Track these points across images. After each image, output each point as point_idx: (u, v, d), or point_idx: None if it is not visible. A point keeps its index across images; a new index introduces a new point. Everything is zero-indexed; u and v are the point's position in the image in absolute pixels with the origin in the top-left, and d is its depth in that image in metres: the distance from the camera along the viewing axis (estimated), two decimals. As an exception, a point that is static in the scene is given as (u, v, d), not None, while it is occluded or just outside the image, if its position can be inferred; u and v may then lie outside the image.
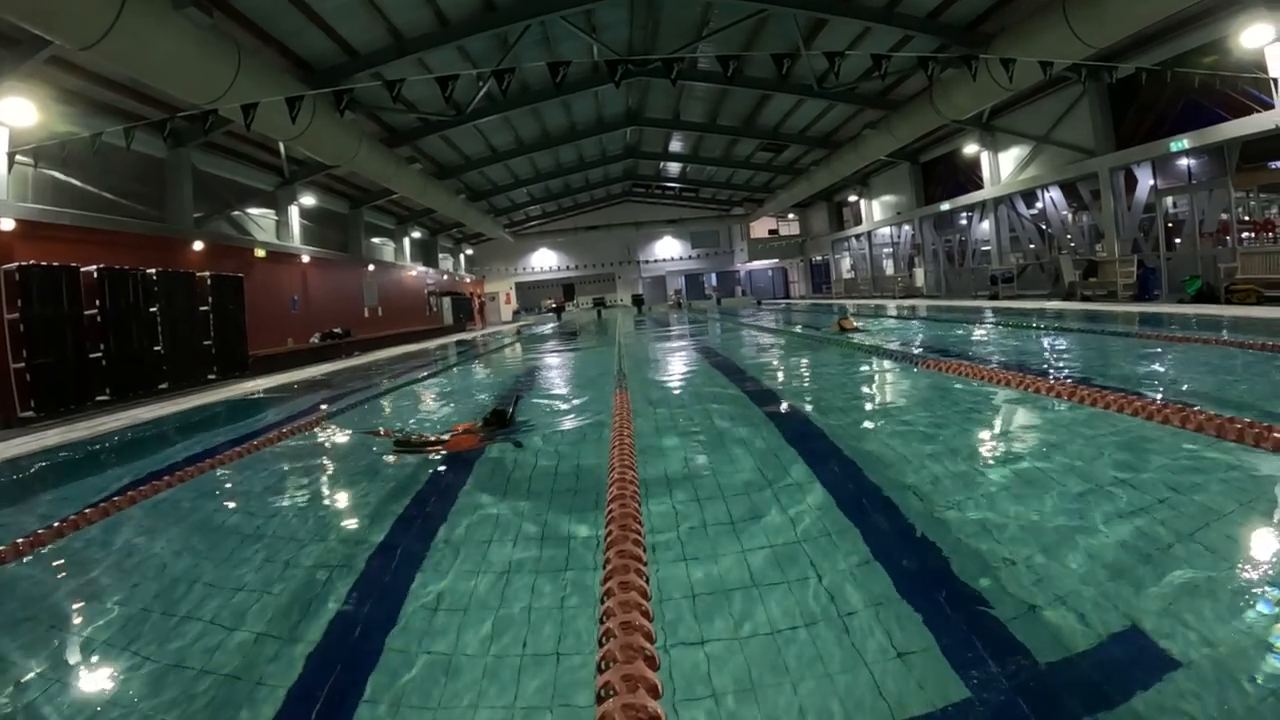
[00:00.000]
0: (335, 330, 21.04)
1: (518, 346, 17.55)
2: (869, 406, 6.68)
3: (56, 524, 3.85)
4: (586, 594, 2.59)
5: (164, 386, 12.40)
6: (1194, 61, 13.63)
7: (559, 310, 37.29)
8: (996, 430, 5.12)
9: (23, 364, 9.86)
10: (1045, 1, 12.45)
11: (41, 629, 2.80)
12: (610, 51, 16.60)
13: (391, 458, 5.06)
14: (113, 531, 3.87)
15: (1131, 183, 16.86)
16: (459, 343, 21.54)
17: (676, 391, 7.79)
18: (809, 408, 6.25)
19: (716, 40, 17.02)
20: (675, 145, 31.17)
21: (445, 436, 5.33)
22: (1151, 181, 16.36)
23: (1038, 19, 12.65)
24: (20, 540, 3.62)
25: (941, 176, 25.96)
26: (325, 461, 5.65)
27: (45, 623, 2.86)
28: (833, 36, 16.60)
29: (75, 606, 3.04)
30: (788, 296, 42.79)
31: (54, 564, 3.54)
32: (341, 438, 6.36)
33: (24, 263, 10.04)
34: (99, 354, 11.19)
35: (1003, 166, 21.42)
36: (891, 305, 22.35)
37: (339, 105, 10.24)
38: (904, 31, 15.61)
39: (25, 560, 3.49)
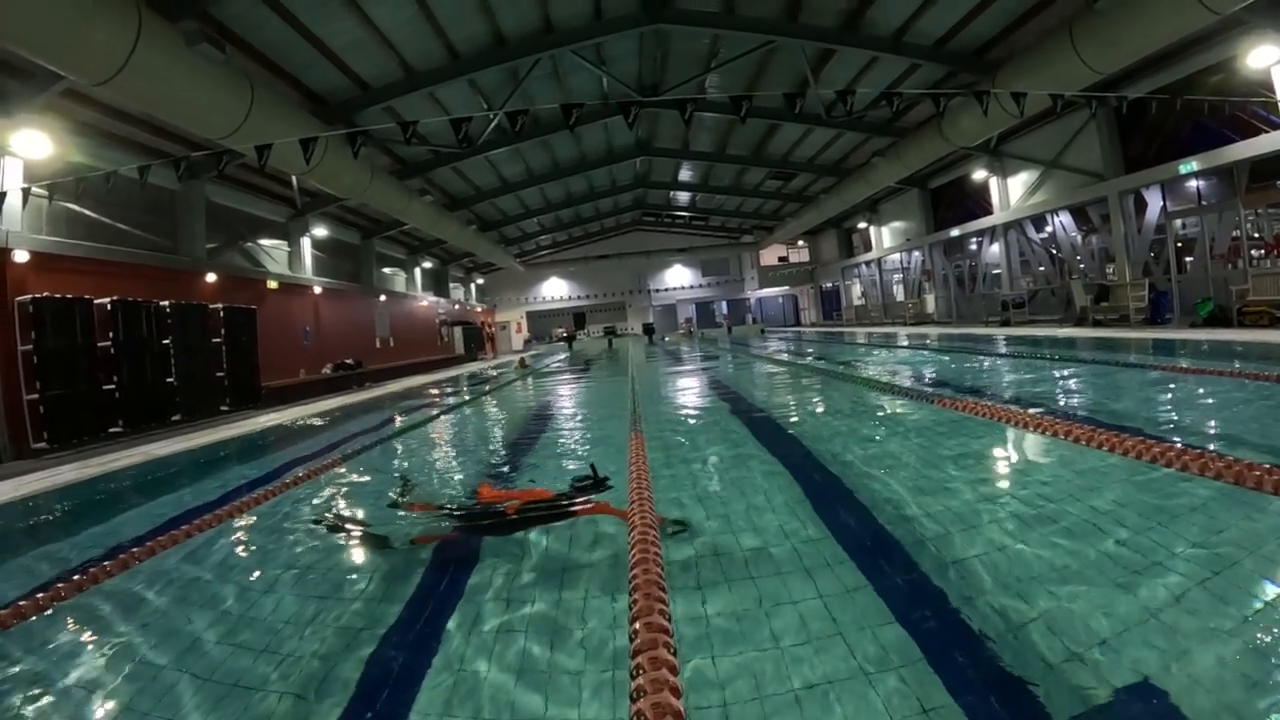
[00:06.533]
0: (347, 361, 21.09)
1: (529, 381, 16.90)
2: (867, 433, 6.57)
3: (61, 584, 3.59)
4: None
5: (177, 418, 12.43)
6: (1201, 83, 13.65)
7: (570, 339, 37.24)
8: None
9: (36, 395, 9.91)
10: (1052, 27, 12.50)
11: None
12: (620, 84, 16.77)
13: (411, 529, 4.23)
14: (123, 589, 3.61)
15: (1141, 205, 16.79)
16: (471, 376, 21.01)
17: (692, 434, 7.40)
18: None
19: (725, 71, 17.15)
20: (684, 174, 31.39)
21: (577, 502, 4.20)
22: (1161, 204, 16.26)
23: (1044, 45, 12.69)
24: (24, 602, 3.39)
25: (951, 202, 25.99)
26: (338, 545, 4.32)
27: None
28: (841, 66, 16.76)
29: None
30: (798, 324, 42.75)
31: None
32: (358, 500, 5.53)
33: (38, 295, 10.16)
34: (112, 385, 11.26)
35: (1012, 191, 21.40)
36: (903, 334, 22.12)
37: (353, 145, 10.31)
38: (911, 60, 15.71)
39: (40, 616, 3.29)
